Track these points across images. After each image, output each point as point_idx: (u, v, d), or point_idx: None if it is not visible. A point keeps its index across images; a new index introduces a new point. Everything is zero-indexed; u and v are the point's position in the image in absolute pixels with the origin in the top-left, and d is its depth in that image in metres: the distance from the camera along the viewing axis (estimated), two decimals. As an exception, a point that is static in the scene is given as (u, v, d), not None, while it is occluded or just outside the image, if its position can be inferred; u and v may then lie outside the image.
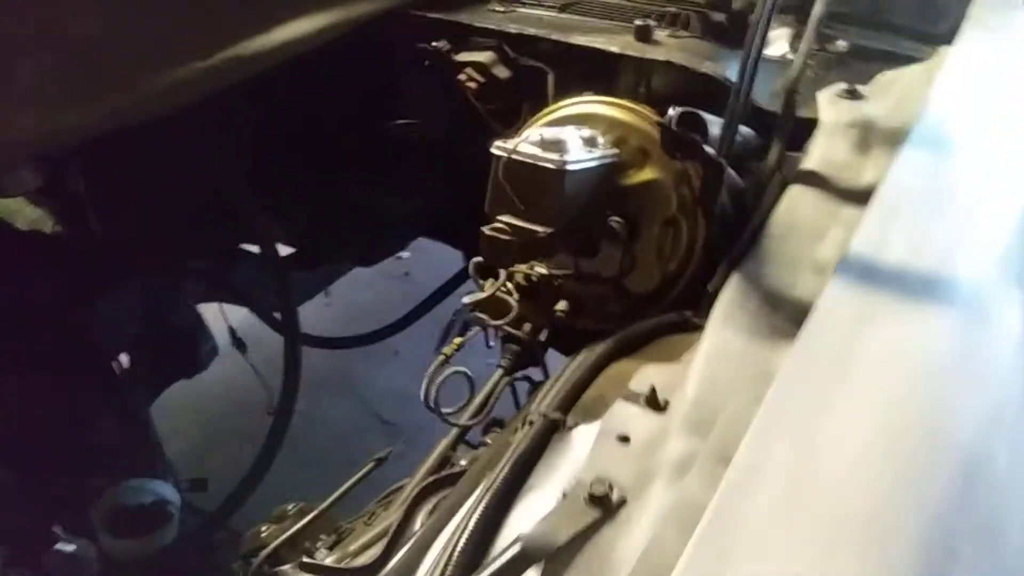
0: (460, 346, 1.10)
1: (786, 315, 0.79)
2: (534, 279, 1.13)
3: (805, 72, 1.26)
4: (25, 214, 1.69)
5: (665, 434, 0.71)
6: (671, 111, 0.90)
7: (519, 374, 1.15)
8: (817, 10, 1.05)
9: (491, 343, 1.16)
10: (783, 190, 1.01)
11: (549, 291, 1.13)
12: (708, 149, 0.86)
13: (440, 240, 1.90)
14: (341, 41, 1.36)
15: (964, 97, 1.12)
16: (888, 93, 1.16)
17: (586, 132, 1.07)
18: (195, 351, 1.67)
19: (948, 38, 1.34)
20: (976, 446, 0.61)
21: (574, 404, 0.82)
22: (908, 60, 1.30)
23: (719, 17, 1.38)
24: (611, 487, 0.65)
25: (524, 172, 0.96)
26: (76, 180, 1.46)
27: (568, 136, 1.01)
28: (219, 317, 1.91)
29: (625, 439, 0.72)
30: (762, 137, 1.11)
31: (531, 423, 0.79)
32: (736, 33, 1.26)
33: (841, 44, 1.35)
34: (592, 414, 0.79)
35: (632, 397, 0.76)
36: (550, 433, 0.78)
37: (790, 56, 1.32)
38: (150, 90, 1.18)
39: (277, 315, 1.72)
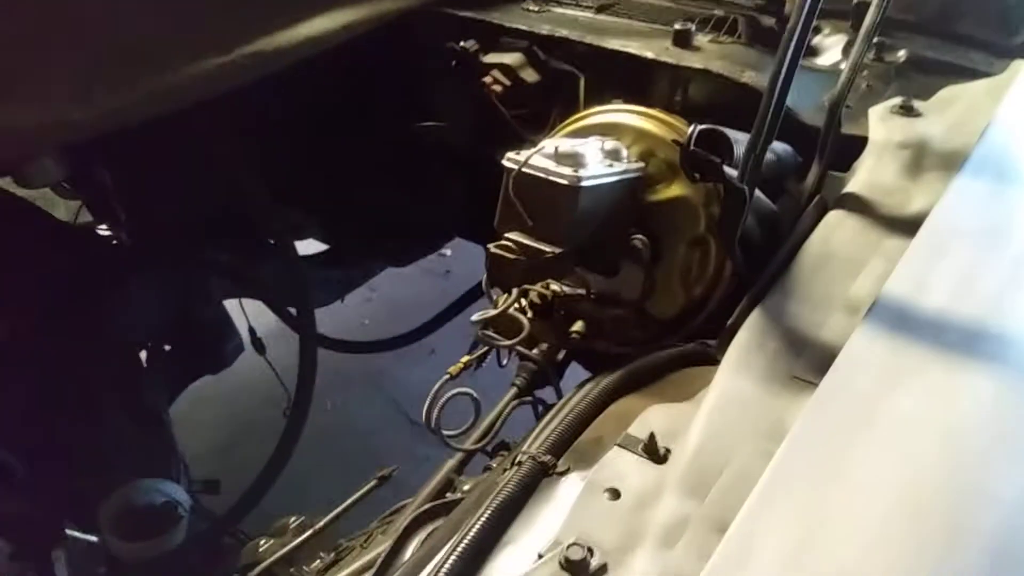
0: (467, 366, 1.04)
1: (809, 360, 0.71)
2: (549, 298, 1.06)
3: (856, 85, 1.17)
4: (68, 206, 1.70)
5: (660, 490, 0.64)
6: (690, 128, 0.82)
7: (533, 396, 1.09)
8: (870, 17, 0.95)
9: (504, 362, 1.09)
10: (822, 215, 0.92)
11: (565, 311, 1.07)
12: (730, 171, 0.78)
13: (475, 242, 1.84)
14: (369, 38, 1.32)
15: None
16: (948, 110, 1.06)
17: (610, 144, 1.00)
18: (221, 347, 1.65)
19: (1022, 51, 1.22)
20: (1008, 533, 0.53)
21: (570, 444, 0.75)
22: (975, 74, 1.19)
23: (768, 22, 1.28)
24: (591, 551, 0.58)
25: (535, 187, 0.90)
26: (103, 172, 1.45)
27: (587, 149, 0.94)
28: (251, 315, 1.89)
29: (616, 493, 0.65)
30: (805, 155, 1.02)
31: (519, 464, 0.72)
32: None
33: (901, 54, 1.25)
34: (587, 458, 0.72)
35: (630, 443, 0.69)
36: (539, 477, 0.71)
37: (843, 66, 1.22)
38: (171, 83, 1.16)
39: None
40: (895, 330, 0.67)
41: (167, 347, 1.63)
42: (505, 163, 0.91)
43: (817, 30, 1.29)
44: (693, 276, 1.02)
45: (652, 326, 1.05)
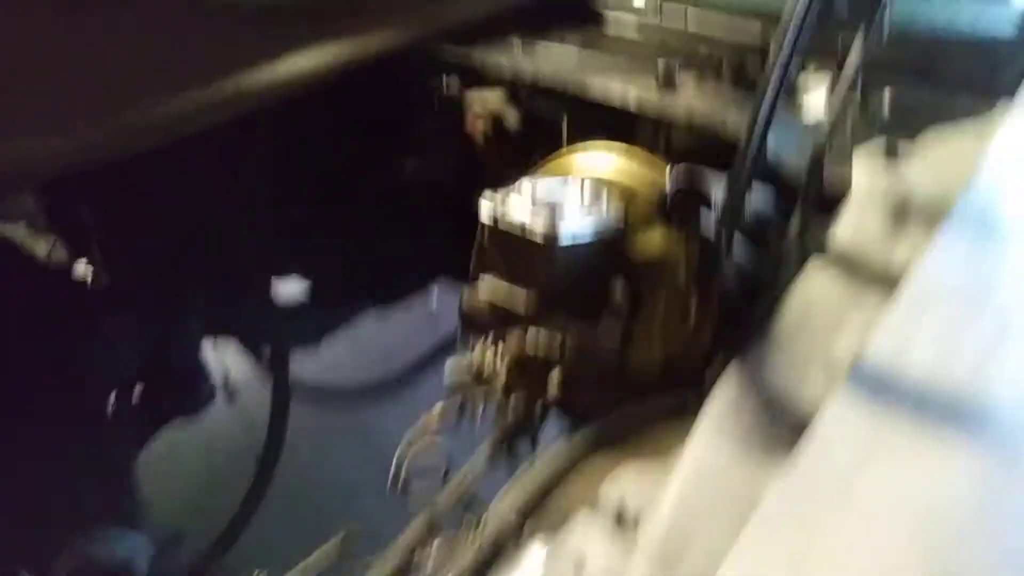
0: (441, 416, 1.01)
1: (787, 424, 0.68)
2: (525, 347, 1.03)
3: (841, 130, 1.16)
4: (43, 242, 1.67)
5: (626, 563, 0.61)
6: (669, 172, 0.80)
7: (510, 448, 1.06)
8: (852, 62, 0.94)
9: (479, 412, 1.06)
10: (804, 265, 0.90)
11: (542, 361, 1.04)
12: (708, 216, 0.76)
13: (461, 282, 1.81)
14: (353, 76, 1.31)
15: (1021, 166, 0.99)
16: (934, 154, 1.04)
17: (589, 187, 0.97)
18: (194, 390, 1.61)
19: (1012, 92, 1.21)
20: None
21: (539, 504, 0.73)
22: (962, 116, 1.17)
23: (754, 65, 1.27)
24: (553, 629, 0.55)
25: (511, 240, 0.87)
26: (78, 208, 1.43)
27: (565, 194, 0.92)
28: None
29: (581, 564, 0.62)
30: (788, 202, 1.00)
31: (483, 528, 0.69)
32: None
33: (886, 96, 1.23)
34: (555, 521, 0.69)
35: (599, 508, 0.67)
36: (503, 543, 0.68)
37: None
38: (150, 118, 1.14)
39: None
40: (874, 396, 0.64)
41: (138, 389, 1.59)
42: (480, 210, 0.89)
43: (801, 69, 1.28)
44: (673, 328, 0.99)
45: (632, 378, 1.02)
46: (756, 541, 0.55)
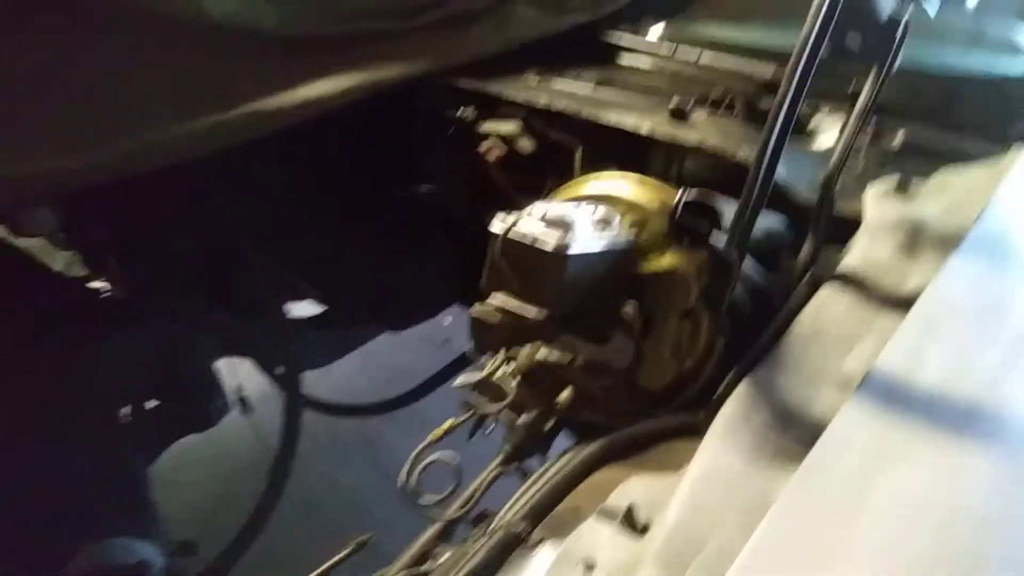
0: (450, 431, 1.01)
1: (797, 435, 0.68)
2: (536, 364, 1.04)
3: (853, 166, 1.18)
4: (62, 257, 1.69)
5: (636, 564, 0.61)
6: (680, 192, 0.81)
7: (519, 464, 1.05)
8: (863, 99, 0.96)
9: (489, 429, 1.06)
10: (815, 290, 0.90)
11: (553, 378, 1.04)
12: (719, 239, 0.77)
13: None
14: (368, 103, 1.34)
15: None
16: (945, 192, 1.06)
17: (601, 211, 0.99)
18: (206, 405, 1.62)
19: (1021, 138, 1.23)
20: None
21: (547, 513, 0.72)
22: (973, 159, 1.19)
23: (767, 102, 1.29)
24: (559, 630, 0.55)
25: (522, 252, 0.88)
26: (96, 224, 1.45)
27: (577, 215, 0.93)
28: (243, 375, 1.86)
29: (590, 566, 0.62)
30: (801, 233, 1.01)
31: (492, 534, 0.69)
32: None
33: (899, 138, 1.25)
34: (563, 528, 0.69)
35: (608, 514, 0.66)
36: (511, 548, 0.68)
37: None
38: (164, 138, 1.17)
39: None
40: (885, 408, 0.64)
41: (152, 403, 1.60)
42: (493, 226, 0.90)
43: (816, 110, 1.30)
44: (684, 348, 1.00)
45: (641, 397, 1.02)
46: (767, 544, 0.55)
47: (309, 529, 1.77)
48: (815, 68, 0.82)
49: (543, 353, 1.04)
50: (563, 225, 0.90)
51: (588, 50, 1.56)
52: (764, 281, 0.92)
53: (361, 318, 1.88)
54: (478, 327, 0.87)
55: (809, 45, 0.81)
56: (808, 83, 0.81)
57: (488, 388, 1.02)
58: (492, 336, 0.88)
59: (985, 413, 0.63)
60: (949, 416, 0.62)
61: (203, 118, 1.18)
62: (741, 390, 0.75)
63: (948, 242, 0.91)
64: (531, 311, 0.87)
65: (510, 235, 0.89)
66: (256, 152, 1.25)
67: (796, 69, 0.82)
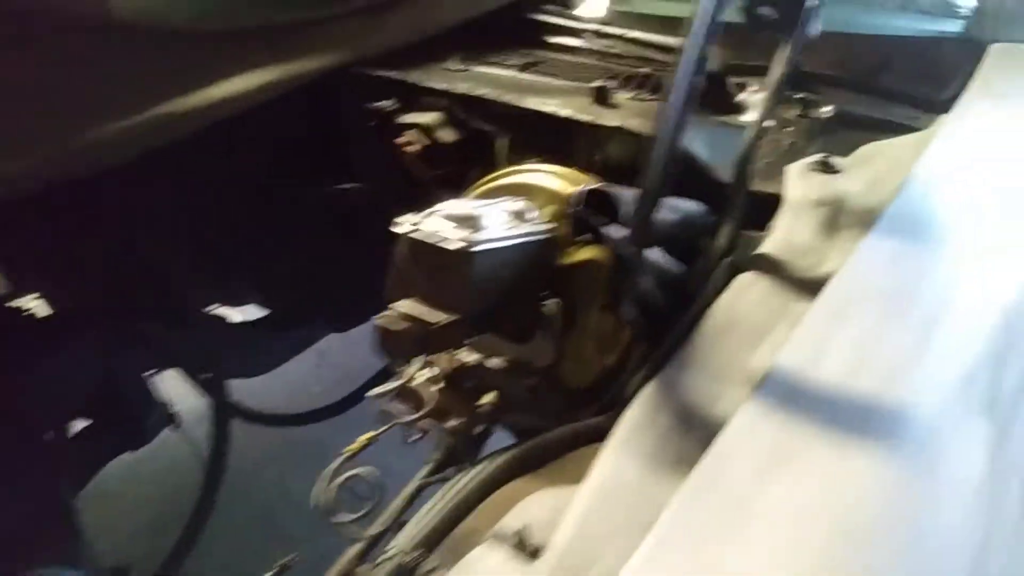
0: (369, 443, 0.97)
1: (699, 438, 0.65)
2: (457, 368, 1.00)
3: (780, 141, 1.15)
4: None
5: (526, 592, 0.58)
6: (576, 189, 0.78)
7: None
8: (775, 71, 0.92)
9: (412, 439, 1.03)
10: (732, 277, 0.87)
11: (476, 382, 1.01)
12: (616, 232, 0.74)
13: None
14: (289, 98, 1.29)
15: (953, 175, 0.97)
16: (868, 167, 1.03)
17: (518, 204, 0.95)
18: (139, 422, 1.57)
19: (951, 106, 1.20)
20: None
21: (446, 535, 0.69)
22: (902, 130, 1.16)
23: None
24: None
25: (428, 253, 0.84)
26: (14, 239, 1.39)
27: (488, 210, 0.90)
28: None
29: (479, 597, 0.59)
30: (719, 214, 0.98)
31: (388, 560, 0.66)
32: (711, 98, 1.14)
33: (827, 110, 1.22)
34: (461, 552, 0.65)
35: (501, 538, 0.63)
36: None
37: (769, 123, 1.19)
38: (83, 145, 1.12)
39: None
40: (784, 406, 0.61)
41: (83, 423, 1.55)
42: (396, 228, 0.86)
43: (743, 87, 1.27)
44: (607, 342, 0.97)
45: (566, 395, 0.99)
46: (651, 556, 0.52)
47: (259, 537, 1.74)
48: (718, 37, 0.79)
49: (464, 356, 1.00)
50: (470, 222, 0.86)
51: (516, 31, 1.51)
52: (678, 269, 0.89)
53: (305, 319, 1.83)
54: (383, 336, 0.83)
55: (710, 14, 0.78)
56: (705, 54, 0.77)
57: (410, 396, 0.99)
58: (399, 344, 0.84)
59: (883, 410, 0.60)
60: (847, 414, 0.60)
61: (119, 121, 1.14)
62: (647, 391, 0.72)
63: (869, 219, 0.88)
64: (436, 316, 0.83)
65: (414, 235, 0.85)
66: (178, 155, 1.21)
67: (696, 39, 0.78)
